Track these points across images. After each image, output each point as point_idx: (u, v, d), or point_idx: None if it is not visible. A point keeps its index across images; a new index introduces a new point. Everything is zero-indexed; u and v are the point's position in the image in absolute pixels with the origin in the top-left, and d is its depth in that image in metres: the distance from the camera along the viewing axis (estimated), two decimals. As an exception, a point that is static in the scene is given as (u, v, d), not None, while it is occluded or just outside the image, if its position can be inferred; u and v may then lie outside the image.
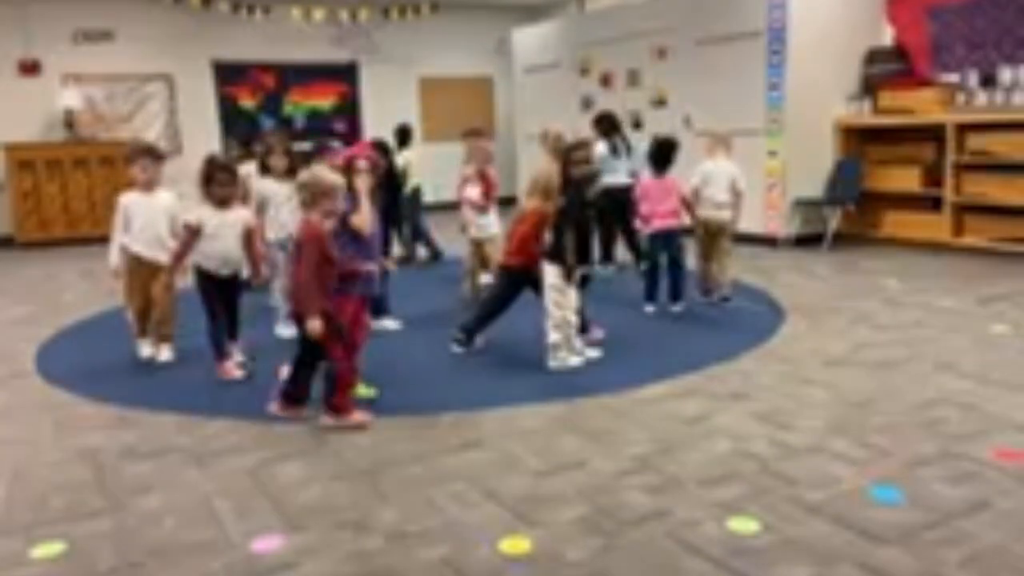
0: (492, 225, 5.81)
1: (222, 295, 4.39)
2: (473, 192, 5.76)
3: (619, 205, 6.40)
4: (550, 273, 4.30)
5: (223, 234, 4.28)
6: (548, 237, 4.31)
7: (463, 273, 6.08)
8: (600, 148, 6.64)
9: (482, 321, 4.72)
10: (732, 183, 5.61)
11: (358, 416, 3.61)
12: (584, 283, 4.42)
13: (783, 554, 2.45)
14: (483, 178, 5.75)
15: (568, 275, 4.26)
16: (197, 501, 2.96)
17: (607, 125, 7.02)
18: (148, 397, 4.14)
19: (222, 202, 4.29)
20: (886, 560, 2.39)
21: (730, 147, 5.85)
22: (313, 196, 3.48)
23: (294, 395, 3.73)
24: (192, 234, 4.24)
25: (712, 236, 5.68)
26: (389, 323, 5.30)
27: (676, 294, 5.51)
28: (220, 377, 4.34)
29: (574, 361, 4.36)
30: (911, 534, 2.53)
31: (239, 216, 4.39)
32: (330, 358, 3.57)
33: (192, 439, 3.56)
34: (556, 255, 4.26)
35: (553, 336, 4.32)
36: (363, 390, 3.86)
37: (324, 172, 3.60)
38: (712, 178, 5.61)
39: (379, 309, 5.15)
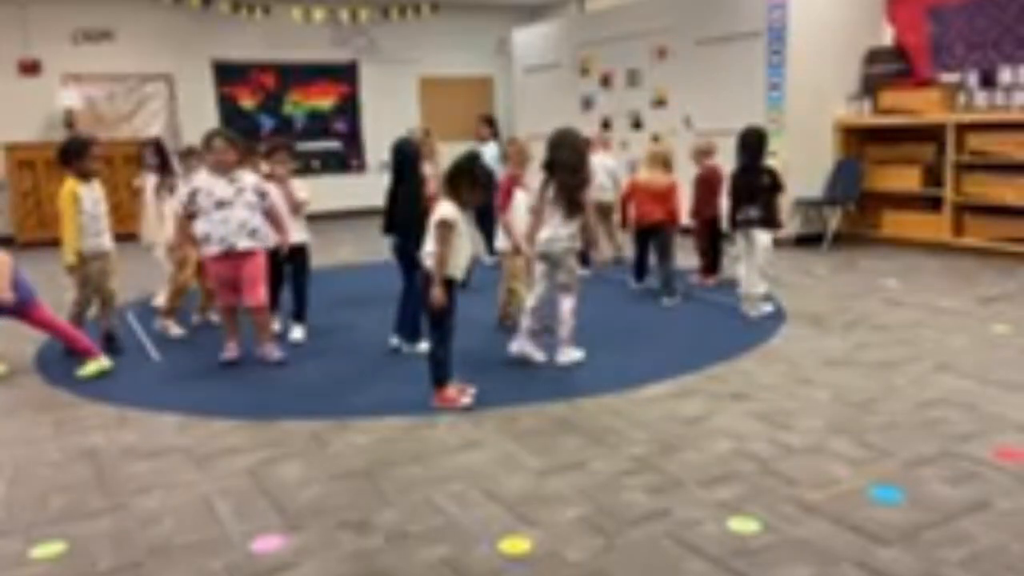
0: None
1: None
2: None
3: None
4: (765, 237, 5.30)
5: None
6: (757, 207, 5.29)
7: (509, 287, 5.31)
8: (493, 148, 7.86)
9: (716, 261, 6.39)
10: (611, 172, 7.22)
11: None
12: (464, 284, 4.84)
13: (783, 554, 2.45)
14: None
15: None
16: (197, 501, 2.96)
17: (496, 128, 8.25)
18: (148, 397, 4.15)
19: None
20: (886, 560, 2.39)
21: (609, 146, 7.93)
22: None
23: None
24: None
25: (602, 213, 7.03)
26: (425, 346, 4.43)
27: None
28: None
29: (768, 308, 5.35)
30: (911, 534, 2.53)
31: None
32: None
33: (192, 439, 3.56)
34: (770, 222, 5.33)
35: (763, 288, 5.29)
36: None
37: None
38: (595, 169, 6.95)
39: (415, 333, 4.69)
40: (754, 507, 2.74)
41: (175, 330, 5.28)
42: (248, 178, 4.60)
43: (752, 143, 5.41)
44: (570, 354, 4.41)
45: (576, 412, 3.72)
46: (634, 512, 2.74)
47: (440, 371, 3.82)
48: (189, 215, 4.50)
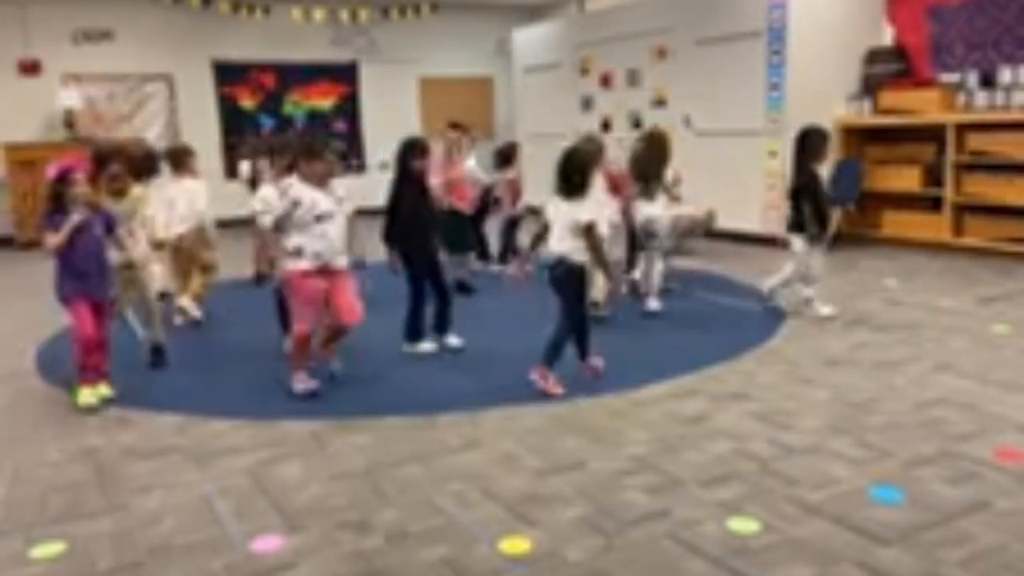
0: None
1: None
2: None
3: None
4: (796, 242, 5.26)
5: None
6: (793, 210, 5.31)
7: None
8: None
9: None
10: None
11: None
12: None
13: (783, 554, 2.45)
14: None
15: (811, 241, 5.27)
16: (197, 501, 2.96)
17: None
18: (148, 397, 4.15)
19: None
20: (886, 560, 2.39)
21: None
22: None
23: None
24: None
25: None
26: (453, 340, 4.81)
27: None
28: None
29: (827, 311, 5.29)
30: (911, 534, 2.53)
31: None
32: None
33: (192, 439, 3.57)
34: (798, 226, 5.24)
35: (809, 291, 5.34)
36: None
37: None
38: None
39: (442, 325, 4.81)
40: (754, 507, 2.74)
41: (196, 312, 5.61)
42: (339, 188, 4.32)
43: (804, 144, 5.39)
44: (653, 303, 5.42)
45: (576, 412, 3.72)
46: (634, 512, 2.74)
47: (557, 354, 3.98)
48: (278, 227, 4.13)
